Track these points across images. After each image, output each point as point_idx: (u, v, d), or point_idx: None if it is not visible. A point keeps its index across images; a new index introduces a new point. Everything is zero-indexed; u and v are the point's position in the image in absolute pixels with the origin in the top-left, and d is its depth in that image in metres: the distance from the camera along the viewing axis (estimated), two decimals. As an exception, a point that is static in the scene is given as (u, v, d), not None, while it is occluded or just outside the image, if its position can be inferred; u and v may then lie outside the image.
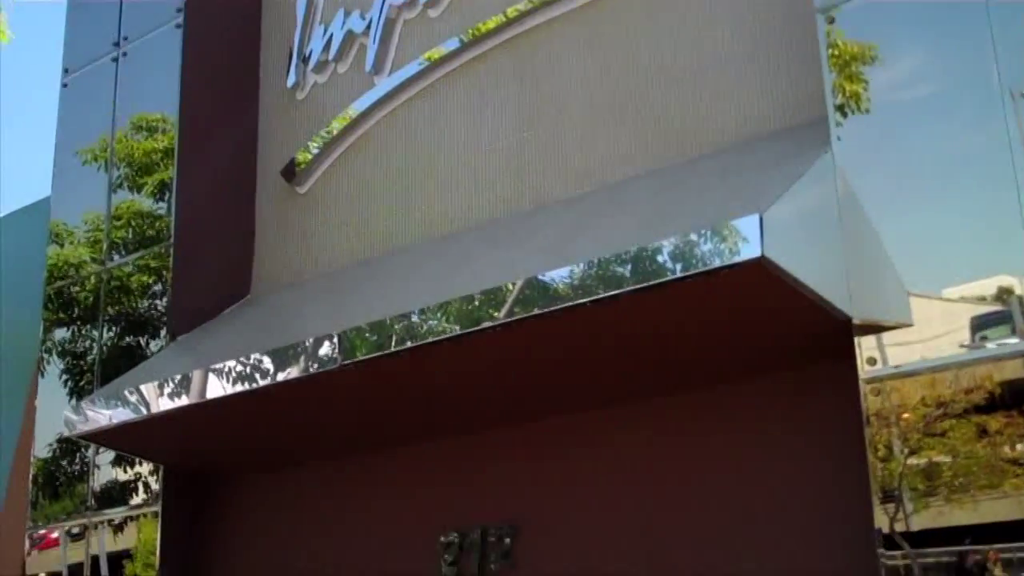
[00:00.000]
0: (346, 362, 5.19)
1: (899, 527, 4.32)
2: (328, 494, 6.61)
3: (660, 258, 4.34)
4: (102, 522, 7.26)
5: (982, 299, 4.34)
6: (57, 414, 7.04)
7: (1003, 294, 4.31)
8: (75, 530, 7.54)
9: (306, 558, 6.58)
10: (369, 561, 6.29)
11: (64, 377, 7.84)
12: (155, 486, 7.00)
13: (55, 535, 7.65)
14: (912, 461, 4.35)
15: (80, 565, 7.37)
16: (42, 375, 7.94)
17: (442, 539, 5.92)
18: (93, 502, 7.34)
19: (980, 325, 4.35)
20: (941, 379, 4.32)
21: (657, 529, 5.30)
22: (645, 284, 4.33)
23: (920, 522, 4.30)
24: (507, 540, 5.68)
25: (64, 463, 7.74)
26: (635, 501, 5.41)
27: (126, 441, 6.64)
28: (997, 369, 4.23)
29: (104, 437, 6.51)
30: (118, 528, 7.28)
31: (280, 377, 5.45)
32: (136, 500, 7.10)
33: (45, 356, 7.97)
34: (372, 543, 6.32)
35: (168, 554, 6.85)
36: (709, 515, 5.15)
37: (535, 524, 5.68)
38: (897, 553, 4.29)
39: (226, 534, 6.99)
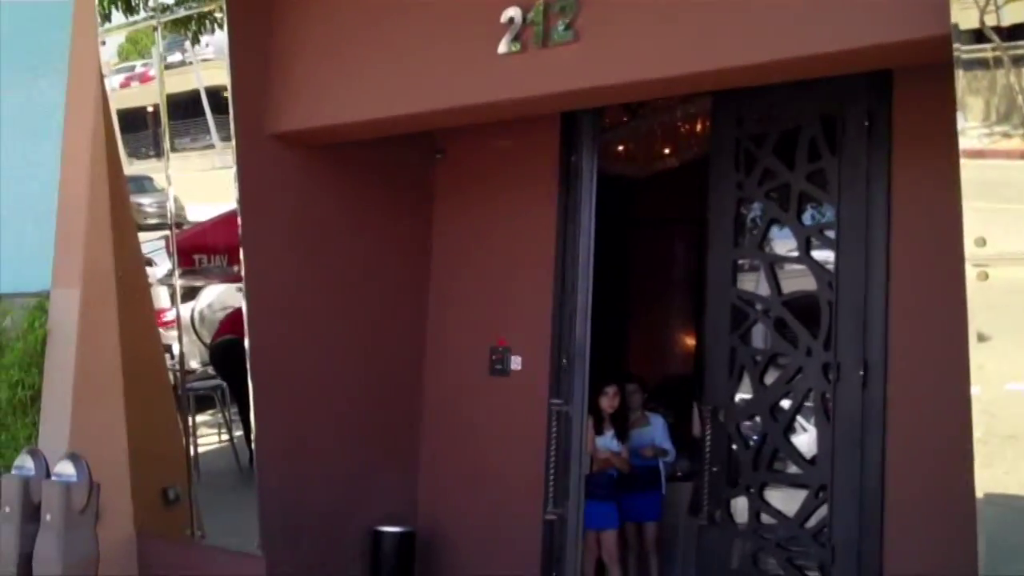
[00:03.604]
0: None
1: (989, 21, 4.11)
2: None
3: None
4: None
5: None
6: None
7: None
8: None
9: (369, 67, 6.58)
10: (424, 66, 6.28)
11: None
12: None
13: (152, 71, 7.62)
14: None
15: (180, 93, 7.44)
16: None
17: (503, 16, 5.81)
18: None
19: None
20: None
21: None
22: None
23: (1012, 16, 4.09)
24: (570, 12, 5.53)
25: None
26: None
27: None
28: None
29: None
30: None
31: None
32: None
33: None
34: (428, 48, 6.28)
35: (237, 63, 6.84)
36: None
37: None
38: (987, 46, 4.11)
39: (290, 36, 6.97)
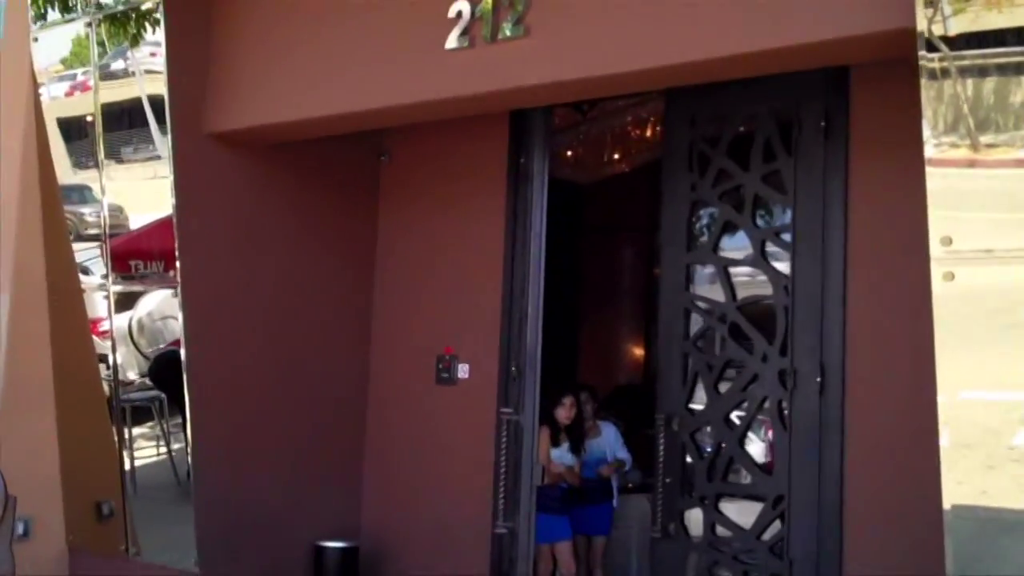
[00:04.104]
0: None
1: (937, 31, 4.07)
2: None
3: None
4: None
5: None
6: None
7: None
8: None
9: (311, 63, 6.39)
10: (369, 62, 6.09)
11: None
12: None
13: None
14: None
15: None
16: None
17: (451, 11, 5.65)
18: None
19: None
20: None
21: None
22: None
23: (959, 26, 4.06)
24: (520, 6, 5.38)
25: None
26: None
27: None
28: None
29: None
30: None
31: None
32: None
33: None
34: (373, 43, 6.09)
35: (174, 60, 6.62)
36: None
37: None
38: (935, 56, 4.06)
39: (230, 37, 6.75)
